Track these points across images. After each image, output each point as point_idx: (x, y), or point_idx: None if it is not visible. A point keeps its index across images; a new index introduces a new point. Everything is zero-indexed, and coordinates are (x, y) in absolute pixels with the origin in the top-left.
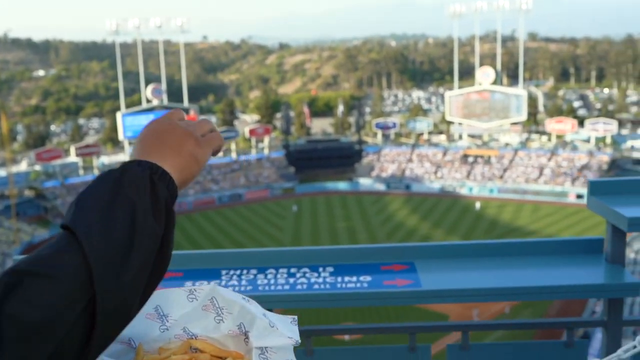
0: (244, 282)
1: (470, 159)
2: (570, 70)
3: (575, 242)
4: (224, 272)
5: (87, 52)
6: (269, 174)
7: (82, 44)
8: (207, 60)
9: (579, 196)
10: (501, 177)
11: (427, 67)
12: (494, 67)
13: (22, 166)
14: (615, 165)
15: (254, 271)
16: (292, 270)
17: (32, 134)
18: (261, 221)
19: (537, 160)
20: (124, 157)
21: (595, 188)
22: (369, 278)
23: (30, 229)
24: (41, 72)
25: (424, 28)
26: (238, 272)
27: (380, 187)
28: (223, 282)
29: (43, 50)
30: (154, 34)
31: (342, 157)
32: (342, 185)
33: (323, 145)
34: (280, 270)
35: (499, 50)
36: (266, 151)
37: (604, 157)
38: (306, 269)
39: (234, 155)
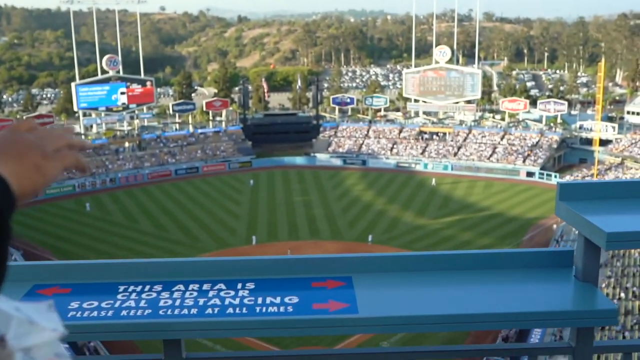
0: (142, 303)
1: (426, 136)
2: (524, 50)
3: (541, 254)
4: (121, 287)
5: (40, 20)
6: (226, 147)
7: (35, 11)
8: (164, 32)
9: (530, 174)
10: (455, 154)
11: (386, 44)
12: (451, 45)
13: None
14: (564, 144)
15: (158, 287)
16: (205, 286)
17: None
18: (218, 195)
19: (490, 138)
20: (77, 128)
21: (565, 192)
22: (296, 299)
23: None
24: None
25: (382, 5)
26: (139, 287)
27: (337, 162)
28: (118, 303)
29: None
30: (109, 3)
31: (300, 132)
32: (299, 160)
33: (281, 120)
34: (191, 287)
35: (455, 29)
36: (223, 125)
37: (554, 136)
38: (222, 285)
39: (191, 128)
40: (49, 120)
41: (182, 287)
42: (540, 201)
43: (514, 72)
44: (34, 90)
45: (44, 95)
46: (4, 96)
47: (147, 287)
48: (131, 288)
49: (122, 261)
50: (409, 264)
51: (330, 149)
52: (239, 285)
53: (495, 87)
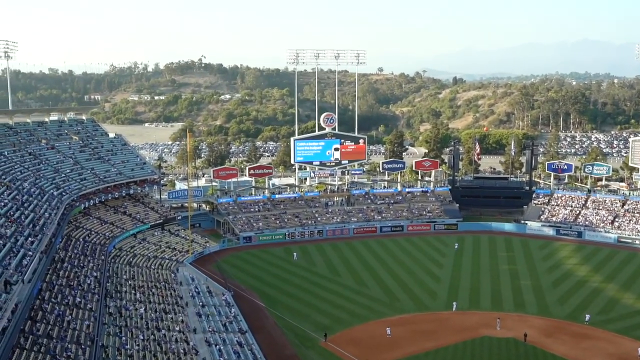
0: None
1: None
2: None
3: None
4: None
5: (270, 79)
6: (432, 208)
7: (266, 71)
8: (380, 92)
9: None
10: None
11: (610, 109)
12: None
13: (202, 182)
14: None
15: None
16: None
17: (214, 152)
18: (421, 255)
19: None
20: (292, 180)
21: None
22: None
23: (203, 240)
24: (227, 96)
25: (609, 67)
26: None
27: (549, 231)
28: None
29: (231, 75)
30: (331, 64)
31: (511, 197)
32: (508, 226)
33: (491, 183)
34: None
35: None
36: (432, 185)
37: None
38: None
39: (399, 186)
40: (268, 172)
41: None
42: None
43: None
44: (258, 143)
45: (266, 148)
46: (232, 147)
47: None
48: None
49: None
50: None
51: (542, 218)
52: None
53: None
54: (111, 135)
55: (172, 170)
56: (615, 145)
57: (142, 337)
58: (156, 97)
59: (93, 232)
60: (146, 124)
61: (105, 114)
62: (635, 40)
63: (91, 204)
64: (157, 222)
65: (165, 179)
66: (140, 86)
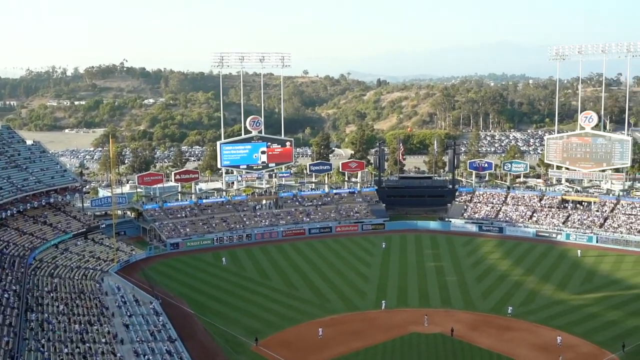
0: None
1: (569, 205)
2: None
3: None
4: None
5: (194, 83)
6: (359, 208)
7: (190, 74)
8: (306, 94)
9: None
10: (601, 225)
11: (527, 108)
12: (597, 111)
13: (126, 188)
14: None
15: None
16: None
17: (138, 158)
18: (349, 256)
19: None
20: (219, 184)
21: None
22: None
23: (128, 248)
24: (151, 100)
25: (524, 69)
26: None
27: (472, 228)
28: None
29: (154, 79)
30: (256, 67)
31: (435, 196)
32: (433, 224)
33: (416, 183)
34: None
35: (603, 94)
36: (358, 186)
37: None
38: None
39: (326, 188)
40: (194, 176)
41: None
42: None
43: None
44: (184, 148)
45: (192, 152)
46: (157, 152)
47: None
48: None
49: None
50: None
51: (465, 215)
52: None
53: None
54: (29, 142)
55: (94, 178)
56: (532, 144)
57: (66, 351)
58: (76, 102)
59: (11, 244)
60: (66, 130)
61: (22, 121)
62: (548, 43)
63: (8, 214)
64: (80, 231)
65: (87, 187)
66: (59, 91)
